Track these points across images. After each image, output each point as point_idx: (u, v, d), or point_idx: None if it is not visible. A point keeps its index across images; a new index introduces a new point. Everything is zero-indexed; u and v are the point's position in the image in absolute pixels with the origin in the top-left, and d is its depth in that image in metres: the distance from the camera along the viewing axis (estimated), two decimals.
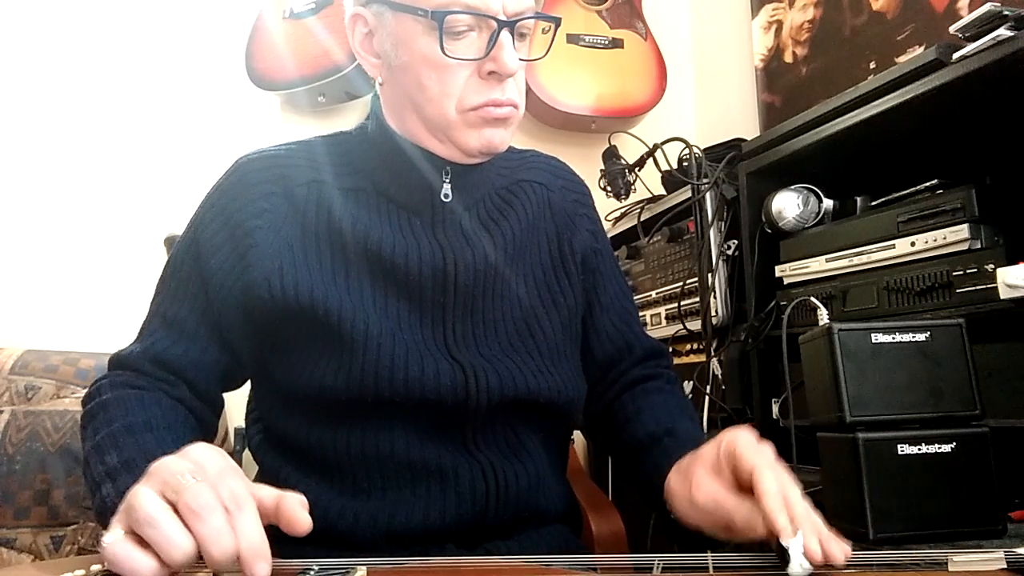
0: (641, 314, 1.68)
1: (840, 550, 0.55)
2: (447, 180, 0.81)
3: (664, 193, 1.67)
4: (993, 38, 0.92)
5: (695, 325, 1.46)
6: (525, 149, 0.96)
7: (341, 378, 0.75)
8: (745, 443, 0.63)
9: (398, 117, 0.81)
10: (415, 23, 0.74)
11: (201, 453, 0.54)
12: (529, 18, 0.76)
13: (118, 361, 0.81)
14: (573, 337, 0.88)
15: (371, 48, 0.80)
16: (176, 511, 0.50)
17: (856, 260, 1.13)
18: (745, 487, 0.62)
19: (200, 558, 0.50)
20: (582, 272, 0.90)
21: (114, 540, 0.50)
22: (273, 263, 0.77)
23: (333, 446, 0.77)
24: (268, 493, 0.54)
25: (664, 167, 1.59)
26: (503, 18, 0.73)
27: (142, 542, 0.49)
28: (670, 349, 1.58)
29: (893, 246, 1.07)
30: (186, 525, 0.49)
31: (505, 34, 0.73)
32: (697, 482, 0.65)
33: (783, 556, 0.55)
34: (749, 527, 0.60)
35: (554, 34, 0.82)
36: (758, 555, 0.58)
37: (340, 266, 0.78)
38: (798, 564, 0.54)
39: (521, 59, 0.76)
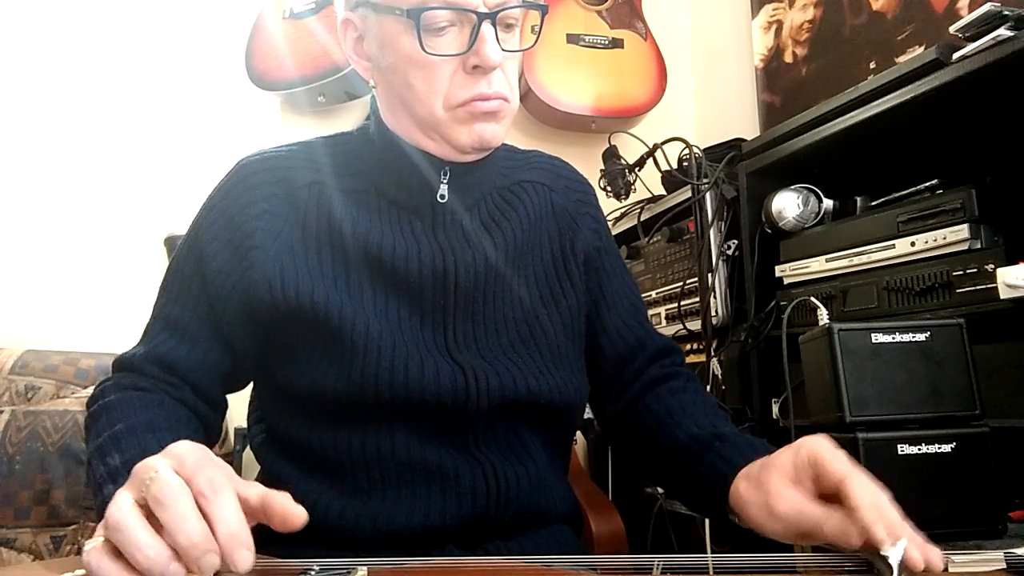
0: None
1: (938, 556, 0.55)
2: (445, 180, 0.81)
3: (664, 193, 1.67)
4: (993, 38, 0.92)
5: (695, 325, 1.46)
6: (528, 149, 0.96)
7: (342, 380, 0.75)
8: (828, 452, 0.63)
9: (393, 118, 0.81)
10: (396, 23, 0.74)
11: (181, 448, 0.53)
12: (511, 8, 0.74)
13: (121, 363, 0.81)
14: (575, 339, 0.88)
15: (362, 52, 0.80)
16: (149, 507, 0.48)
17: (856, 260, 1.13)
18: (829, 496, 0.62)
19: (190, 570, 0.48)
20: (585, 272, 0.89)
21: (89, 549, 0.48)
22: (274, 265, 0.77)
23: (334, 447, 0.77)
24: (253, 491, 0.52)
25: (664, 167, 1.59)
26: (483, 10, 0.72)
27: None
28: None
29: (893, 246, 1.07)
30: (156, 518, 0.48)
31: (487, 27, 0.72)
32: (776, 491, 0.65)
33: (874, 566, 0.55)
34: (842, 536, 0.59)
35: (541, 22, 0.81)
36: (758, 555, 0.58)
37: (341, 268, 0.78)
38: (898, 573, 0.53)
39: (507, 50, 0.75)
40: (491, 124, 0.77)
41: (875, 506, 0.57)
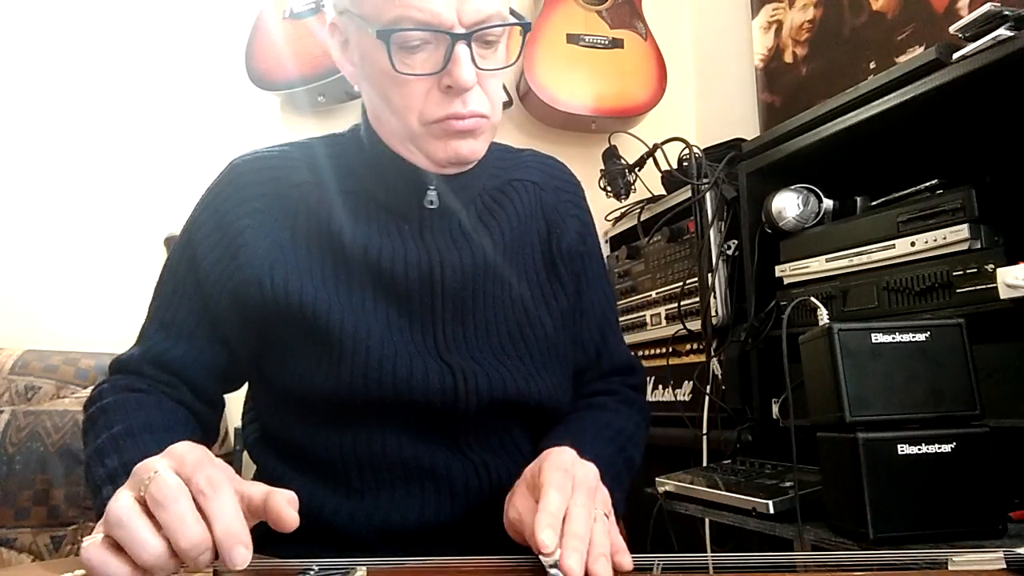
0: (641, 314, 1.68)
1: (605, 568, 0.55)
2: (432, 187, 0.80)
3: (664, 193, 1.67)
4: (993, 38, 0.92)
5: (695, 325, 1.46)
6: (522, 148, 0.95)
7: (331, 379, 0.75)
8: (549, 463, 0.64)
9: (377, 124, 0.81)
10: (371, 39, 0.72)
11: (181, 448, 0.54)
12: (486, 28, 0.71)
13: (118, 365, 0.81)
14: (565, 339, 0.88)
15: (348, 56, 0.79)
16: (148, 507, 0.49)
17: (856, 260, 1.13)
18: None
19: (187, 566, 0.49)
20: (569, 273, 0.89)
21: (88, 545, 0.49)
22: (264, 263, 0.77)
23: (326, 446, 0.77)
24: (257, 489, 0.54)
25: (664, 167, 1.59)
26: (459, 31, 0.69)
27: (121, 546, 0.49)
28: (670, 349, 1.58)
29: (893, 246, 1.07)
30: (156, 519, 0.48)
31: (461, 47, 0.70)
32: (510, 499, 0.66)
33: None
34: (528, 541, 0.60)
35: (523, 38, 0.78)
36: (758, 555, 0.58)
37: (330, 268, 0.78)
38: None
39: (483, 69, 0.73)
40: (468, 140, 0.75)
41: (550, 513, 0.57)
